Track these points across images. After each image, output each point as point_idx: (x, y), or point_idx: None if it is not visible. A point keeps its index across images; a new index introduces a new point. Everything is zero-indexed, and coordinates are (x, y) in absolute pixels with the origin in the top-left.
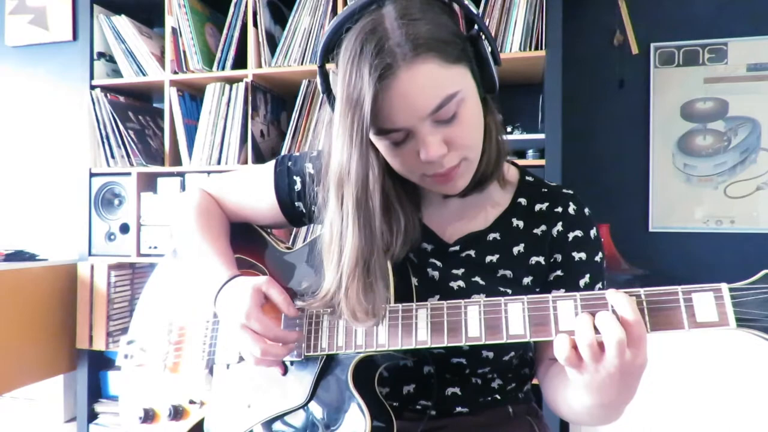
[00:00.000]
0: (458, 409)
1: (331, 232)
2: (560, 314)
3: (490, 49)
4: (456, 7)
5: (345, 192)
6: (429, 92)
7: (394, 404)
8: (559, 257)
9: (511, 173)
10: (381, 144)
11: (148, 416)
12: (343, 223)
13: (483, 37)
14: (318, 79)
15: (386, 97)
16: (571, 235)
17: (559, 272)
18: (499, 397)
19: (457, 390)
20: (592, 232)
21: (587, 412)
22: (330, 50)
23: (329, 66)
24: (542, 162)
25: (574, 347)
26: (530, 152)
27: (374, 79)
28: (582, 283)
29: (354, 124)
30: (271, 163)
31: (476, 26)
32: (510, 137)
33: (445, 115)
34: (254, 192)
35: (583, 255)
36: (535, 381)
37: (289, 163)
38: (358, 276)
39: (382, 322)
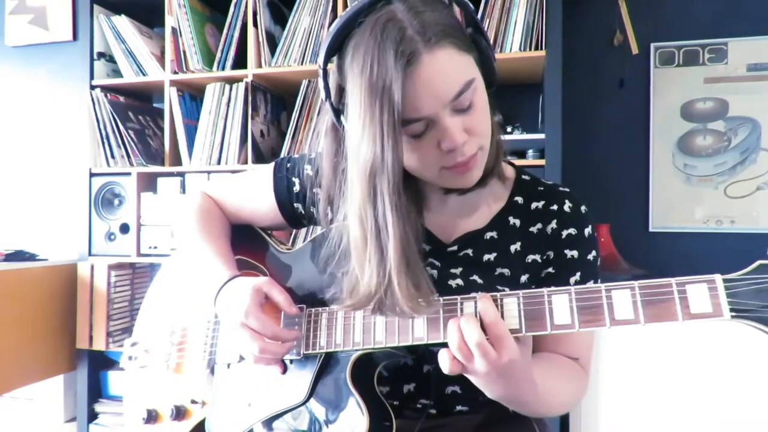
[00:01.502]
0: (458, 407)
1: (363, 230)
2: (555, 308)
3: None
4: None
5: (379, 183)
6: (451, 77)
7: (395, 403)
8: (551, 254)
9: (508, 172)
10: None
11: (152, 417)
12: (380, 217)
13: (480, 33)
14: (320, 80)
15: (411, 84)
16: (564, 233)
17: (550, 269)
18: None
19: (457, 388)
20: (587, 231)
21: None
22: (335, 50)
23: (329, 67)
24: (542, 162)
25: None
26: (530, 152)
27: (402, 65)
28: (572, 281)
29: (384, 112)
30: (271, 166)
31: (474, 23)
32: (510, 137)
33: (463, 102)
34: (254, 194)
35: (575, 253)
36: None
37: (288, 165)
38: (405, 269)
39: (438, 309)
